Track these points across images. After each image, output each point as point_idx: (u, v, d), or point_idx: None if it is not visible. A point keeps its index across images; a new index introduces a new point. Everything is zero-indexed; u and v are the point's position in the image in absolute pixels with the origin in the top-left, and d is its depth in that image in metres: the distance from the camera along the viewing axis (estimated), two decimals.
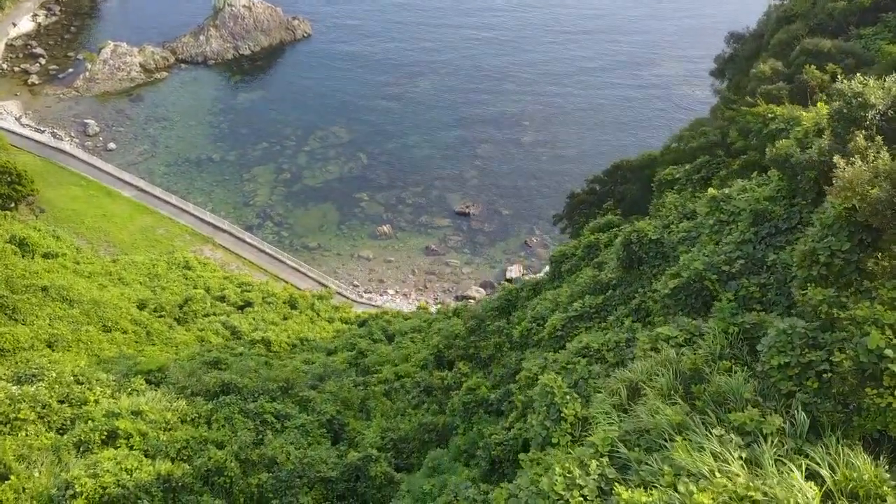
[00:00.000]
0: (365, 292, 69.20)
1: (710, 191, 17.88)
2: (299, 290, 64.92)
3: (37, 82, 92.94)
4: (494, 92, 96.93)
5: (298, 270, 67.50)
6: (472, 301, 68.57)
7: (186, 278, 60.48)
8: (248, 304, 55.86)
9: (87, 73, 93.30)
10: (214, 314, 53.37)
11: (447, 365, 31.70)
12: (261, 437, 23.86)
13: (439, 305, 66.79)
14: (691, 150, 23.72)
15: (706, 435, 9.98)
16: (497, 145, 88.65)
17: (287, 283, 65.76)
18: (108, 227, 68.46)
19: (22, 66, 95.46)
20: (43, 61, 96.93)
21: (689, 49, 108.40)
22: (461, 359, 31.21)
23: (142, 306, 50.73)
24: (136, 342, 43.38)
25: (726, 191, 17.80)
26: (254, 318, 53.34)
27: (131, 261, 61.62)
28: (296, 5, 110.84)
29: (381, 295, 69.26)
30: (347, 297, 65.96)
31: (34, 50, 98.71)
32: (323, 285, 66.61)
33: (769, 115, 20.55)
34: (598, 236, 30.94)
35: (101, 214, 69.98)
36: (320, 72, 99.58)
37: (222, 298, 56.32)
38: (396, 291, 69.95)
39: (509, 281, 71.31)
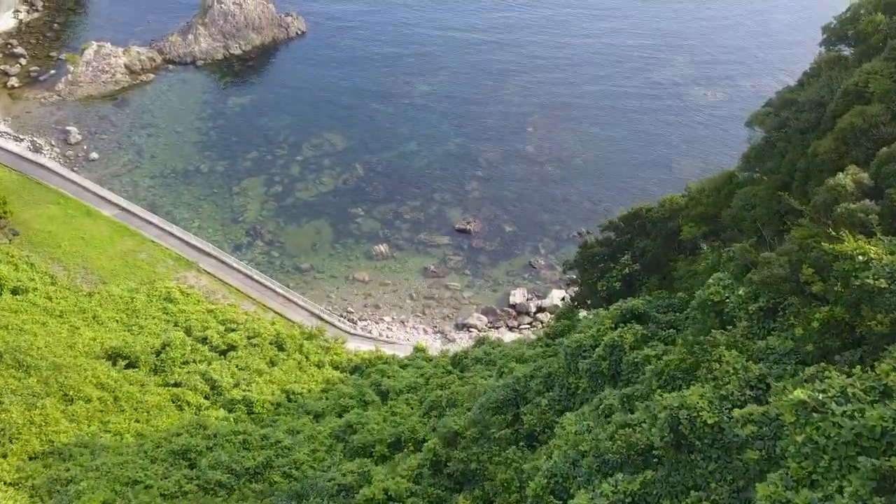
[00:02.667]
0: (359, 320, 64.46)
1: (797, 393, 13.11)
2: (290, 321, 60.22)
3: (16, 85, 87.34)
4: (496, 96, 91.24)
5: (288, 299, 62.68)
6: (473, 331, 63.96)
7: (167, 313, 55.75)
8: (232, 347, 51.13)
9: (70, 76, 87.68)
10: (194, 361, 48.72)
11: (445, 478, 27.10)
12: None
13: (438, 339, 62.15)
14: (751, 283, 18.69)
15: None
16: (499, 154, 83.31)
17: (276, 313, 60.96)
18: (87, 251, 63.53)
19: (1, 67, 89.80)
20: (24, 62, 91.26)
21: (698, 49, 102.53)
22: (462, 475, 26.55)
23: (114, 357, 46.07)
24: (102, 411, 38.74)
25: (819, 394, 13.04)
26: (237, 367, 48.68)
27: (108, 294, 56.81)
28: (290, 0, 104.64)
29: (376, 323, 64.55)
30: (341, 329, 61.22)
31: (14, 49, 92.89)
32: (314, 314, 61.89)
33: (860, 257, 15.64)
34: (623, 333, 26.04)
35: (80, 237, 65.02)
36: (314, 73, 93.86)
37: (204, 340, 51.58)
38: (393, 318, 65.20)
39: (512, 307, 66.66)
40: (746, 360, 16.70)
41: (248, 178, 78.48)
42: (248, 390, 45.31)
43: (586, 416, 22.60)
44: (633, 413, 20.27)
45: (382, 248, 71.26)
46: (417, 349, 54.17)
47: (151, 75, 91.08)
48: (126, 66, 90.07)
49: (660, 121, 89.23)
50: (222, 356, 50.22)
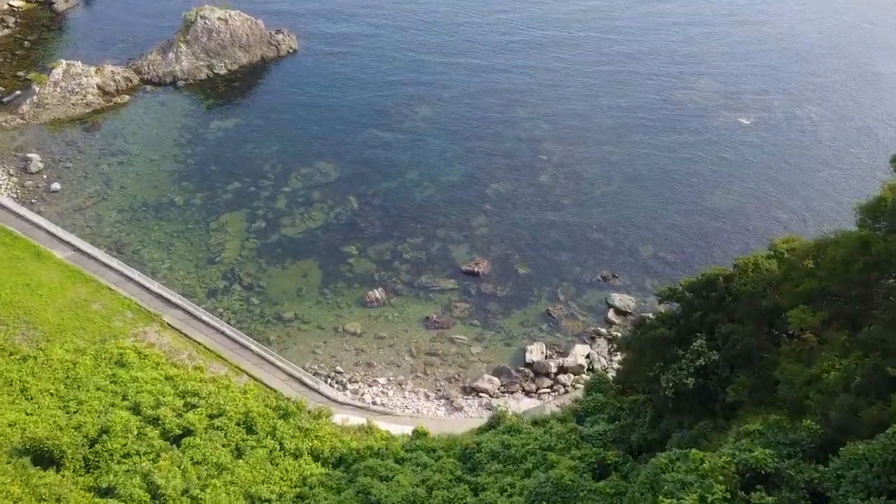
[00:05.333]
0: (350, 382, 53.65)
1: None
2: (266, 387, 49.46)
3: None
4: (505, 121, 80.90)
5: (265, 359, 51.91)
6: (484, 396, 53.14)
7: (116, 383, 44.97)
8: (189, 431, 40.27)
9: (35, 98, 77.52)
10: (138, 454, 37.90)
11: None
12: None
13: (442, 407, 51.28)
14: None
15: None
16: (509, 185, 72.80)
17: (250, 377, 50.21)
18: (31, 301, 52.85)
19: None
20: None
21: (723, 70, 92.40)
22: None
23: (33, 452, 35.26)
24: None
25: None
26: (192, 460, 37.80)
27: (46, 359, 46.02)
28: (281, 17, 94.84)
29: (369, 385, 53.70)
30: (326, 396, 50.42)
31: None
32: (295, 378, 51.11)
33: None
34: None
35: (25, 284, 54.37)
36: (306, 95, 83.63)
37: (155, 421, 40.75)
38: (389, 380, 54.37)
39: (529, 366, 55.82)
40: None
41: (227, 212, 67.97)
42: (201, 498, 34.44)
43: None
44: None
45: (378, 293, 60.60)
46: (418, 433, 43.18)
47: (127, 97, 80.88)
48: (99, 87, 79.92)
49: (685, 148, 78.85)
50: (175, 444, 39.36)
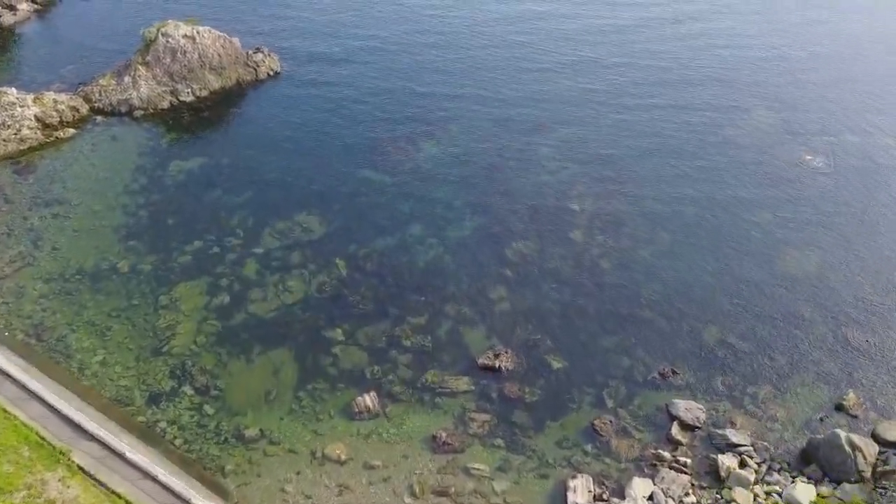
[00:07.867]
0: None
1: None
2: None
3: None
4: (526, 161, 65.15)
5: None
6: None
7: None
8: None
9: None
10: None
11: None
12: None
13: None
14: None
15: None
16: (534, 244, 57.02)
17: None
18: None
19: None
20: None
21: (783, 96, 76.73)
22: None
23: None
24: None
25: None
26: None
27: None
28: (261, 34, 79.15)
29: None
30: None
31: None
32: None
33: None
34: None
35: None
36: (288, 128, 67.87)
37: None
38: None
39: None
40: None
41: (183, 281, 52.19)
42: None
43: None
44: None
45: (369, 399, 44.75)
46: None
47: (72, 130, 65.09)
48: (37, 119, 64.13)
49: (743, 195, 63.09)
50: None
